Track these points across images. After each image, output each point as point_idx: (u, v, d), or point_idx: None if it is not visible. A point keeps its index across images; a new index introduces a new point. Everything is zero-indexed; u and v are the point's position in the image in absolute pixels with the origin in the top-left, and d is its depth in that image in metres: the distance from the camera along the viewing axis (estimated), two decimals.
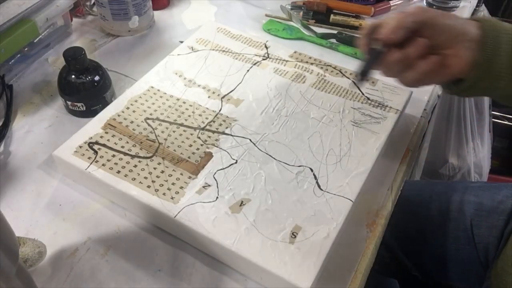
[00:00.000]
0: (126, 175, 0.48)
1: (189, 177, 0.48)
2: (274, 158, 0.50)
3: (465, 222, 0.66)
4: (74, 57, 0.56)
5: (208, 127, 0.54)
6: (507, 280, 0.54)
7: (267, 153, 0.51)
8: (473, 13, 1.03)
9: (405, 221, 0.56)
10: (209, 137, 0.53)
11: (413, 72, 0.44)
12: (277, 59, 0.64)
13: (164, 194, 0.46)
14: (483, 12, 1.12)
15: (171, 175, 0.48)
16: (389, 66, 0.45)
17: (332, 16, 0.81)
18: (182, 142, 0.52)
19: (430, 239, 0.69)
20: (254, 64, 0.63)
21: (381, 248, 0.50)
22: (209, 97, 0.58)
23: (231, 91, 0.59)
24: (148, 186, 0.47)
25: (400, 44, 0.44)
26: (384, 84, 0.60)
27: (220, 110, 0.56)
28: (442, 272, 0.68)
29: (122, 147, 0.51)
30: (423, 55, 0.44)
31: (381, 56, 0.44)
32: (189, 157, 0.50)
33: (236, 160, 0.50)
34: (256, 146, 0.52)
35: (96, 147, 0.50)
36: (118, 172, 0.48)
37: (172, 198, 0.46)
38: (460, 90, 0.46)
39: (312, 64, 0.63)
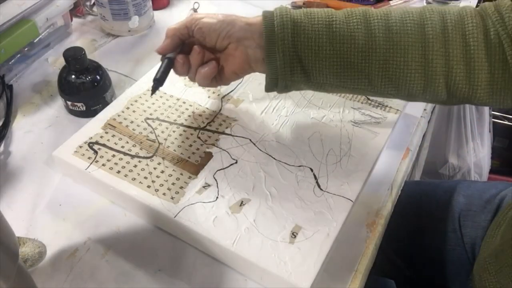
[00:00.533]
0: (126, 175, 0.48)
1: (189, 177, 0.48)
2: (274, 158, 0.50)
3: (454, 223, 0.66)
4: (74, 57, 0.56)
5: (208, 127, 0.54)
6: (483, 276, 0.54)
7: (267, 153, 0.51)
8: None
9: (395, 222, 0.56)
10: (209, 137, 0.53)
11: (198, 76, 0.49)
12: None
13: (164, 194, 0.46)
14: None
15: (171, 175, 0.48)
16: (178, 71, 0.50)
17: None
18: (182, 142, 0.52)
19: (420, 240, 0.69)
20: None
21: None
22: (209, 97, 0.58)
23: (231, 91, 0.59)
24: (148, 186, 0.47)
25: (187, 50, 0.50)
26: None
27: (220, 110, 0.56)
28: (434, 272, 0.69)
29: (122, 147, 0.51)
30: (204, 59, 0.50)
31: (172, 62, 0.49)
32: (189, 157, 0.50)
33: (236, 160, 0.50)
34: (256, 146, 0.52)
35: (96, 147, 0.50)
36: (118, 172, 0.48)
37: (172, 198, 0.46)
38: (268, 88, 0.49)
39: None
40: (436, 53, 0.45)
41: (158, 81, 0.48)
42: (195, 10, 0.64)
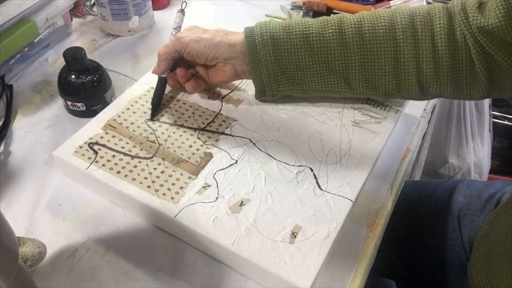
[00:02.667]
0: (126, 176, 0.48)
1: (189, 178, 0.48)
2: (274, 158, 0.50)
3: (453, 223, 0.66)
4: (74, 57, 0.56)
5: (208, 127, 0.54)
6: (474, 275, 0.54)
7: (267, 153, 0.51)
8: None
9: (394, 222, 0.57)
10: (209, 137, 0.53)
11: (186, 88, 0.56)
12: None
13: (164, 194, 0.46)
14: None
15: (171, 176, 0.48)
16: (171, 86, 0.57)
17: None
18: (182, 143, 0.52)
19: (419, 240, 0.69)
20: None
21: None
22: (209, 97, 0.58)
23: (231, 92, 0.59)
24: (148, 186, 0.47)
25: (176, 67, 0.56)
26: None
27: (220, 111, 0.56)
28: (433, 272, 0.69)
29: (122, 147, 0.51)
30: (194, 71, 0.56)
31: (165, 82, 0.56)
32: (189, 158, 0.50)
33: (236, 160, 0.50)
34: (256, 146, 0.52)
35: (96, 147, 0.50)
36: (118, 172, 0.48)
37: (172, 198, 0.46)
38: (257, 97, 0.56)
39: None
40: (407, 56, 0.48)
41: (156, 105, 0.54)
42: (182, 11, 0.64)
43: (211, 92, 0.59)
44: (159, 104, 0.55)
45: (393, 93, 0.51)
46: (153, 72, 0.57)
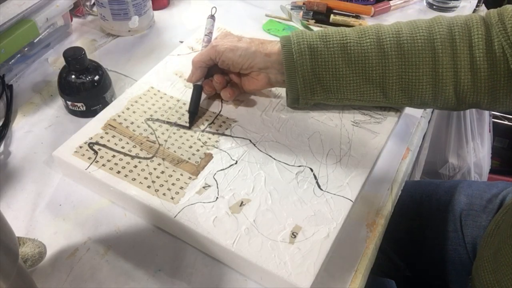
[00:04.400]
0: (126, 176, 0.48)
1: (189, 178, 0.48)
2: (274, 159, 0.50)
3: (455, 223, 0.66)
4: (74, 57, 0.56)
5: (208, 128, 0.54)
6: (481, 275, 0.54)
7: (267, 154, 0.51)
8: (473, 13, 1.03)
9: (396, 222, 0.57)
10: (209, 138, 0.53)
11: (221, 95, 0.56)
12: None
13: (164, 194, 0.46)
14: (483, 12, 1.12)
15: (171, 176, 0.48)
16: (206, 93, 0.57)
17: (332, 16, 0.81)
18: (183, 143, 0.52)
19: (421, 240, 0.69)
20: None
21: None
22: (209, 98, 0.58)
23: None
24: (148, 187, 0.47)
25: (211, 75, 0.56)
26: None
27: (220, 111, 0.56)
28: (434, 272, 0.69)
29: (123, 147, 0.51)
30: (226, 83, 0.56)
31: (201, 89, 0.56)
32: (189, 158, 0.50)
33: (236, 161, 0.50)
34: (256, 146, 0.52)
35: (96, 147, 0.50)
36: (118, 172, 0.48)
37: (172, 198, 0.46)
38: (289, 105, 0.56)
39: None
40: (446, 66, 0.48)
41: (194, 113, 0.54)
42: (212, 16, 0.63)
43: None
44: (196, 112, 0.54)
45: (429, 102, 0.51)
46: (188, 80, 0.57)
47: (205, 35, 0.61)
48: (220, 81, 0.55)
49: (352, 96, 0.52)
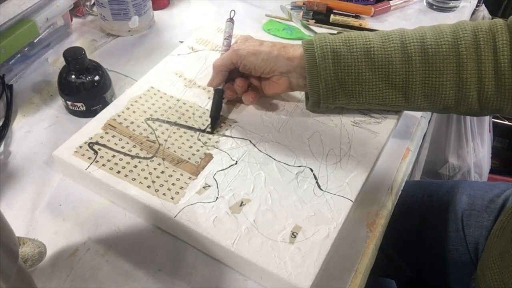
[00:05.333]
0: (126, 175, 0.48)
1: (189, 178, 0.48)
2: (274, 159, 0.50)
3: (456, 223, 0.66)
4: (74, 57, 0.56)
5: (208, 129, 0.54)
6: (488, 275, 0.54)
7: (267, 154, 0.51)
8: (473, 13, 1.03)
9: (397, 222, 0.57)
10: (209, 139, 0.53)
11: (243, 99, 0.56)
12: None
13: (164, 194, 0.46)
14: (483, 12, 1.12)
15: (171, 176, 0.48)
16: (228, 97, 0.56)
17: (332, 16, 0.81)
18: (183, 143, 0.52)
19: (422, 240, 0.69)
20: None
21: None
22: (209, 98, 0.58)
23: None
24: (148, 187, 0.47)
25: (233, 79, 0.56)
26: None
27: (220, 112, 0.56)
28: (436, 272, 0.69)
29: (122, 147, 0.51)
30: (247, 87, 0.56)
31: (222, 93, 0.55)
32: (189, 158, 0.50)
33: (236, 161, 0.50)
34: (256, 147, 0.52)
35: (96, 147, 0.50)
36: (118, 172, 0.48)
37: (172, 198, 0.46)
38: (310, 109, 0.56)
39: None
40: (470, 72, 0.48)
41: (215, 117, 0.54)
42: (231, 19, 0.63)
43: (211, 92, 0.58)
44: (218, 116, 0.54)
45: (451, 108, 0.50)
46: (209, 84, 0.56)
47: (225, 38, 0.60)
48: (242, 85, 0.55)
49: (374, 100, 0.51)
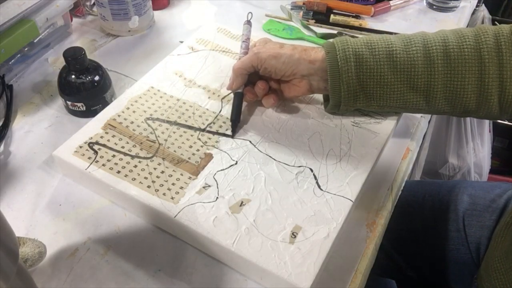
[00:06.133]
0: (126, 175, 0.48)
1: (189, 178, 0.48)
2: (274, 159, 0.50)
3: (457, 222, 0.66)
4: (74, 57, 0.56)
5: (208, 128, 0.54)
6: (493, 275, 0.54)
7: (267, 154, 0.51)
8: (473, 13, 1.03)
9: (398, 222, 0.57)
10: (209, 138, 0.53)
11: (263, 102, 0.56)
12: None
13: (164, 194, 0.46)
14: (483, 12, 1.12)
15: (171, 176, 0.48)
16: (248, 100, 0.56)
17: (332, 16, 0.81)
18: (183, 143, 0.52)
19: (423, 239, 0.69)
20: None
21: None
22: (209, 97, 0.58)
23: (231, 92, 0.59)
24: (148, 186, 0.47)
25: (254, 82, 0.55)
26: None
27: (220, 111, 0.56)
28: (437, 272, 0.69)
29: (122, 147, 0.51)
30: (268, 90, 0.55)
31: (242, 96, 0.55)
32: (189, 158, 0.50)
33: (236, 161, 0.50)
34: (256, 147, 0.52)
35: (96, 147, 0.50)
36: (118, 172, 0.48)
37: (172, 198, 0.46)
38: (329, 111, 0.55)
39: None
40: (492, 76, 0.48)
41: (236, 121, 0.53)
42: (248, 22, 0.62)
43: (211, 92, 0.59)
44: (239, 120, 0.54)
45: (472, 111, 0.50)
46: (228, 88, 0.56)
47: (243, 41, 0.60)
48: (264, 87, 0.54)
49: (394, 103, 0.51)
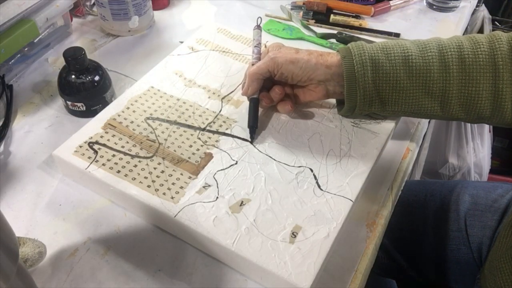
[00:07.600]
0: (126, 175, 0.48)
1: (189, 177, 0.48)
2: (274, 159, 0.50)
3: (459, 222, 0.66)
4: (74, 57, 0.56)
5: (208, 128, 0.54)
6: (498, 275, 0.54)
7: (267, 154, 0.51)
8: (473, 13, 1.03)
9: (399, 222, 0.57)
10: (209, 138, 0.53)
11: (278, 108, 0.55)
12: None
13: (164, 194, 0.46)
14: (483, 12, 1.12)
15: (171, 175, 0.48)
16: (264, 106, 0.55)
17: (332, 16, 0.81)
18: (182, 142, 0.52)
19: (425, 239, 0.69)
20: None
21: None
22: (209, 97, 0.58)
23: (231, 92, 0.59)
24: (148, 186, 0.47)
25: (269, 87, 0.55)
26: None
27: (220, 111, 0.56)
28: (438, 272, 0.69)
29: (122, 147, 0.51)
30: (283, 95, 0.55)
31: (258, 102, 0.54)
32: (189, 158, 0.50)
33: (236, 161, 0.50)
34: (256, 147, 0.52)
35: (96, 147, 0.50)
36: (118, 172, 0.48)
37: (172, 198, 0.46)
38: (343, 113, 0.55)
39: None
40: (506, 82, 0.48)
41: (254, 127, 0.53)
42: (258, 26, 0.62)
43: (211, 92, 0.59)
44: (256, 126, 0.53)
45: (486, 117, 0.50)
46: (243, 93, 0.55)
47: (255, 46, 0.59)
48: (281, 92, 0.54)
49: (409, 108, 0.51)
